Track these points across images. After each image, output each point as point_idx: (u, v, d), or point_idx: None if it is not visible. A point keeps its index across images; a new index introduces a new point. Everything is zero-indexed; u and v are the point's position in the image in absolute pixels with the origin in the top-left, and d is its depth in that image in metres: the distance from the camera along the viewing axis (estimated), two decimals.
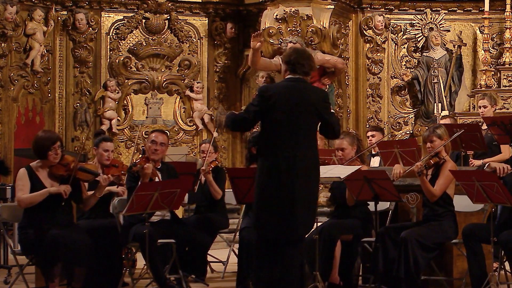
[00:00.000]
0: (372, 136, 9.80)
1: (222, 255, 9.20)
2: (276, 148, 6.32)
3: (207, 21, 13.52)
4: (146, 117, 13.38)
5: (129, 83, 13.22)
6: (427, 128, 8.34)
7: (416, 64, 13.41)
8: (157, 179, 7.72)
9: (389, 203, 7.74)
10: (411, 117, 13.46)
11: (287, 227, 6.29)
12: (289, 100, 6.35)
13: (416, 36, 13.42)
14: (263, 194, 6.35)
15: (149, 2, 13.13)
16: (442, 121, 10.00)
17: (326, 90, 11.76)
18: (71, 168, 7.15)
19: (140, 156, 7.96)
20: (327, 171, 7.16)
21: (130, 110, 13.29)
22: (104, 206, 7.82)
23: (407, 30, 13.45)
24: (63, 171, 7.17)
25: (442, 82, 12.96)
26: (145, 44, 13.24)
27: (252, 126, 6.64)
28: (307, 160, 6.33)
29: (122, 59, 13.09)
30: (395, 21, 13.42)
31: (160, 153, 7.84)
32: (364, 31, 13.18)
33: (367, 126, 13.05)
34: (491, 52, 13.19)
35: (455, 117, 12.22)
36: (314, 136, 6.45)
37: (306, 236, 7.21)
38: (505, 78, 12.95)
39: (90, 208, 7.53)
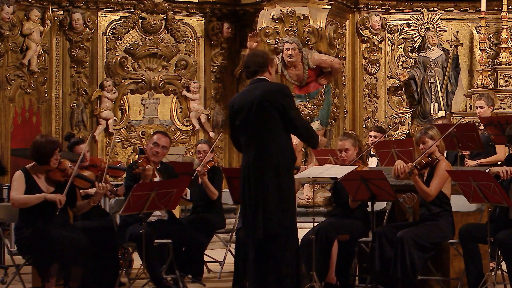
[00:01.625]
0: (375, 136, 9.76)
1: (219, 255, 9.19)
2: (244, 151, 6.52)
3: (203, 21, 13.50)
4: (143, 117, 13.37)
5: (126, 83, 13.21)
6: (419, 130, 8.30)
7: (412, 64, 13.41)
8: (155, 179, 7.71)
9: (385, 203, 7.73)
10: (408, 117, 13.46)
11: (257, 226, 6.37)
12: (241, 103, 6.50)
13: (413, 36, 13.42)
14: (241, 196, 6.57)
15: (145, 2, 13.12)
16: (437, 122, 9.95)
17: (323, 88, 11.78)
18: (69, 174, 7.12)
19: (138, 156, 7.95)
20: (324, 171, 7.16)
21: (127, 110, 13.27)
22: (96, 206, 7.79)
23: (404, 30, 13.45)
24: (60, 176, 7.11)
25: (439, 82, 12.97)
26: (141, 44, 13.23)
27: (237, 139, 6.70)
28: (272, 158, 6.37)
29: (118, 59, 13.08)
30: (392, 21, 13.42)
31: (161, 156, 7.86)
32: (361, 31, 13.18)
33: (364, 126, 13.06)
34: (487, 52, 13.19)
35: (450, 117, 12.21)
36: (278, 132, 6.42)
37: (304, 236, 7.24)
38: (501, 78, 12.95)
39: None
